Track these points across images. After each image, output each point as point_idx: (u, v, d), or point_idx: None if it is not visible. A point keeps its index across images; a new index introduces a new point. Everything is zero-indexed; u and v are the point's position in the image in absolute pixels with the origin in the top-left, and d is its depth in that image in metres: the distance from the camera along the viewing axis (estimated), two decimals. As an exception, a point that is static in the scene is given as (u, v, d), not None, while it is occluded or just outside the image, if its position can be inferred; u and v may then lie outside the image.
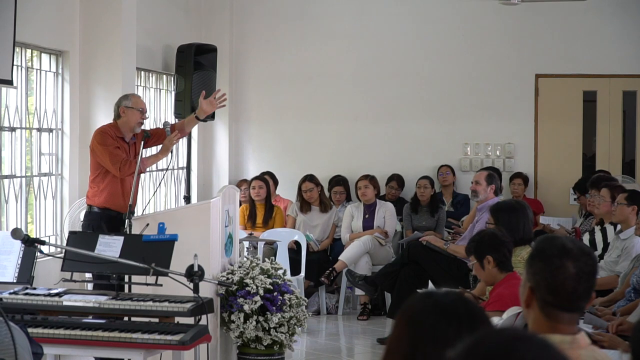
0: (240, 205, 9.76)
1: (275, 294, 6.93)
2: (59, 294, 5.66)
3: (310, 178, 10.61)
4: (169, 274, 5.37)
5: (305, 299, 7.35)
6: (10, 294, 5.61)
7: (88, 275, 6.45)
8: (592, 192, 8.49)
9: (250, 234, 9.43)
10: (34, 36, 7.75)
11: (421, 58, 11.54)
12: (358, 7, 11.56)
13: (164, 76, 10.49)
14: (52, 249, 7.11)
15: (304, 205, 10.58)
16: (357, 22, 11.56)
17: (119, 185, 7.02)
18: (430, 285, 8.68)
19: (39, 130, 8.03)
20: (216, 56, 10.35)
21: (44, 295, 5.63)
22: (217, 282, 6.20)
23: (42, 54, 8.07)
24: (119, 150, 6.98)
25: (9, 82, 7.07)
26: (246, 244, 8.96)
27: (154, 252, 5.59)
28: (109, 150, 6.93)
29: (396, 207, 10.57)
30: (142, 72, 9.86)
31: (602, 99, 11.56)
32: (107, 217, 6.97)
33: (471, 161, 11.57)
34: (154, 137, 7.16)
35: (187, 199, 10.30)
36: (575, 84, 11.51)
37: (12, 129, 7.58)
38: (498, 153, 11.58)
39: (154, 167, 9.84)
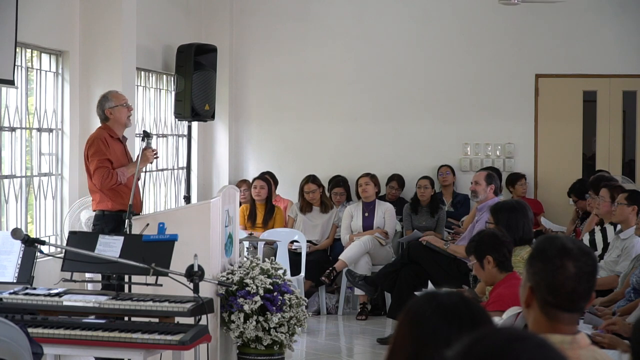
0: (240, 205, 9.76)
1: (275, 294, 6.93)
2: (59, 294, 5.66)
3: (312, 179, 10.59)
4: (169, 274, 5.37)
5: (305, 299, 7.36)
6: (10, 294, 5.61)
7: (88, 275, 6.46)
8: (592, 193, 8.48)
9: (250, 234, 9.43)
10: (34, 36, 7.75)
11: (421, 58, 11.54)
12: (358, 7, 11.56)
13: (164, 76, 10.49)
14: (52, 249, 7.10)
15: (305, 206, 10.57)
16: (357, 22, 11.56)
17: (124, 186, 7.09)
18: (430, 285, 8.67)
19: (39, 130, 8.02)
20: (216, 56, 10.34)
21: (44, 295, 5.64)
22: (217, 282, 6.20)
23: (42, 54, 8.07)
24: (107, 162, 7.07)
25: (11, 82, 7.07)
26: (246, 244, 8.95)
27: (154, 252, 5.59)
28: (97, 165, 7.05)
29: (396, 207, 10.57)
30: (142, 72, 9.85)
31: (602, 99, 11.55)
32: (120, 219, 7.04)
33: (471, 161, 11.57)
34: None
35: (187, 199, 10.29)
36: (575, 84, 11.51)
37: (12, 129, 7.57)
38: (498, 153, 11.58)
39: (152, 167, 9.84)
